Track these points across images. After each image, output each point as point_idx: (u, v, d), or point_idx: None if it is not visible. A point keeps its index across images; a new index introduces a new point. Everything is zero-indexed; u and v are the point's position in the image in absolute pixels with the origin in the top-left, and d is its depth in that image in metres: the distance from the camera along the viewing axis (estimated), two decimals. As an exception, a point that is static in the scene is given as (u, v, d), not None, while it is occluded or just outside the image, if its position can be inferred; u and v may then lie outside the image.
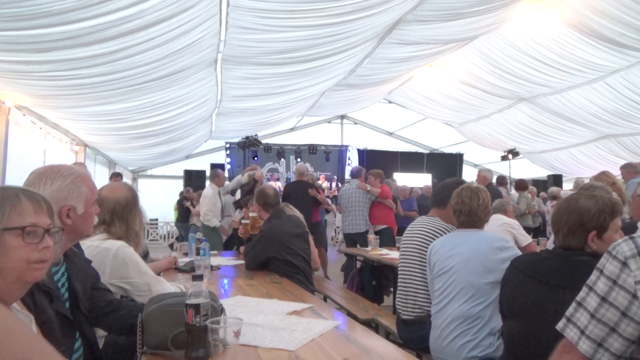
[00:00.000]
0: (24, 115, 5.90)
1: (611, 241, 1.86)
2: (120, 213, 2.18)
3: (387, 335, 3.45)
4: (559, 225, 1.84)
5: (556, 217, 1.87)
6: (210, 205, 6.46)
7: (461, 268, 2.43)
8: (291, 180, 10.18)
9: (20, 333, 1.01)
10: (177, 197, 11.43)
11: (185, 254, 4.32)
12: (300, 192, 6.96)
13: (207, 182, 12.33)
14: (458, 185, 2.87)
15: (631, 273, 1.14)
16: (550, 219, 1.94)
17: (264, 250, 3.38)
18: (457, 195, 2.60)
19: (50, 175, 1.58)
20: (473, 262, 2.40)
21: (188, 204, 9.71)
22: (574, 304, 1.25)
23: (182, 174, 12.09)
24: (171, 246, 11.58)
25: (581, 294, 1.24)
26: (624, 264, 1.15)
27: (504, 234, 4.15)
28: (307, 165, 8.04)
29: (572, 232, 1.82)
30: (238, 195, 7.07)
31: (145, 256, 3.38)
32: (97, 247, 2.04)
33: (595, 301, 1.18)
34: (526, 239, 4.43)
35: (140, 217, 2.27)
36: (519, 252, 2.37)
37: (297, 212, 4.00)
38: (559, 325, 1.26)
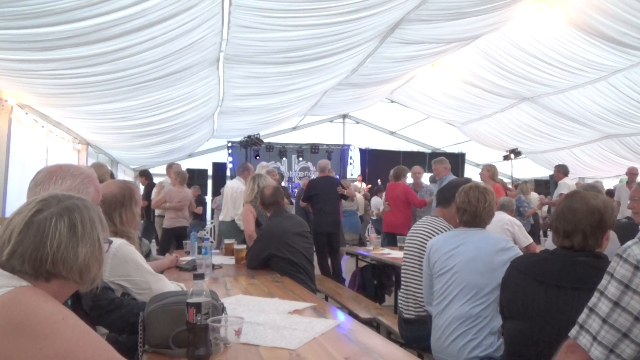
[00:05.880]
0: (26, 113, 5.90)
1: (609, 238, 1.87)
2: (103, 210, 2.17)
3: (389, 334, 3.45)
4: (579, 227, 1.78)
5: (574, 219, 1.79)
6: (232, 199, 6.07)
7: (463, 268, 2.40)
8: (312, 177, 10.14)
9: (88, 331, 1.07)
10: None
11: (187, 253, 4.33)
12: (326, 188, 6.68)
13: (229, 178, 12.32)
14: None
15: None
16: (562, 219, 1.83)
17: (264, 247, 3.39)
18: (464, 194, 2.55)
19: (60, 175, 1.60)
20: (476, 262, 2.37)
21: None
22: (586, 310, 1.22)
23: (184, 172, 12.10)
24: None
25: (593, 299, 1.21)
26: (637, 267, 1.12)
27: (502, 232, 4.15)
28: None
29: (593, 232, 1.78)
30: None
31: (147, 255, 3.39)
32: None
33: (607, 306, 1.15)
34: (527, 239, 4.42)
35: (130, 216, 2.26)
36: (520, 253, 2.35)
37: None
38: (572, 333, 1.23)
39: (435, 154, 14.68)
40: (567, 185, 8.01)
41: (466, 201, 2.53)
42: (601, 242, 1.81)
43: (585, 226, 1.78)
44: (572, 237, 1.81)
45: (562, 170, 7.99)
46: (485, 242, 2.43)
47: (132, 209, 2.29)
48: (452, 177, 6.17)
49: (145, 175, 8.45)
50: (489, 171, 6.24)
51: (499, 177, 6.92)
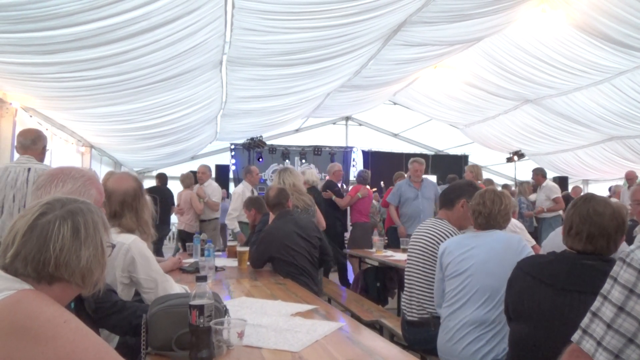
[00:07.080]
0: (30, 116, 5.93)
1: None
2: (129, 203, 2.18)
3: (391, 337, 3.44)
4: (606, 230, 1.77)
5: (601, 222, 1.78)
6: (237, 203, 6.03)
7: (478, 270, 2.36)
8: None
9: (91, 334, 1.07)
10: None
11: (190, 255, 4.35)
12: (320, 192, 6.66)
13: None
14: (469, 187, 2.83)
15: None
16: (589, 223, 1.79)
17: (264, 251, 3.40)
18: (479, 197, 2.52)
19: (62, 178, 1.62)
20: (490, 264, 2.33)
21: None
22: (589, 315, 1.21)
23: (187, 175, 12.10)
24: None
25: (596, 303, 1.20)
26: None
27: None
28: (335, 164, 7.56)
29: (616, 236, 1.78)
30: None
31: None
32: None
33: (612, 311, 1.14)
34: (528, 242, 4.41)
35: (148, 206, 2.27)
36: (533, 252, 2.33)
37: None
38: (575, 337, 1.22)
39: (438, 156, 14.68)
40: (558, 188, 7.98)
41: (481, 203, 2.48)
42: (619, 246, 1.80)
43: (611, 229, 1.77)
44: (597, 240, 1.79)
45: (540, 173, 7.85)
46: (498, 242, 2.39)
47: (147, 197, 2.31)
48: (428, 179, 6.38)
49: (159, 177, 8.51)
50: (472, 172, 6.25)
51: (508, 182, 6.93)
